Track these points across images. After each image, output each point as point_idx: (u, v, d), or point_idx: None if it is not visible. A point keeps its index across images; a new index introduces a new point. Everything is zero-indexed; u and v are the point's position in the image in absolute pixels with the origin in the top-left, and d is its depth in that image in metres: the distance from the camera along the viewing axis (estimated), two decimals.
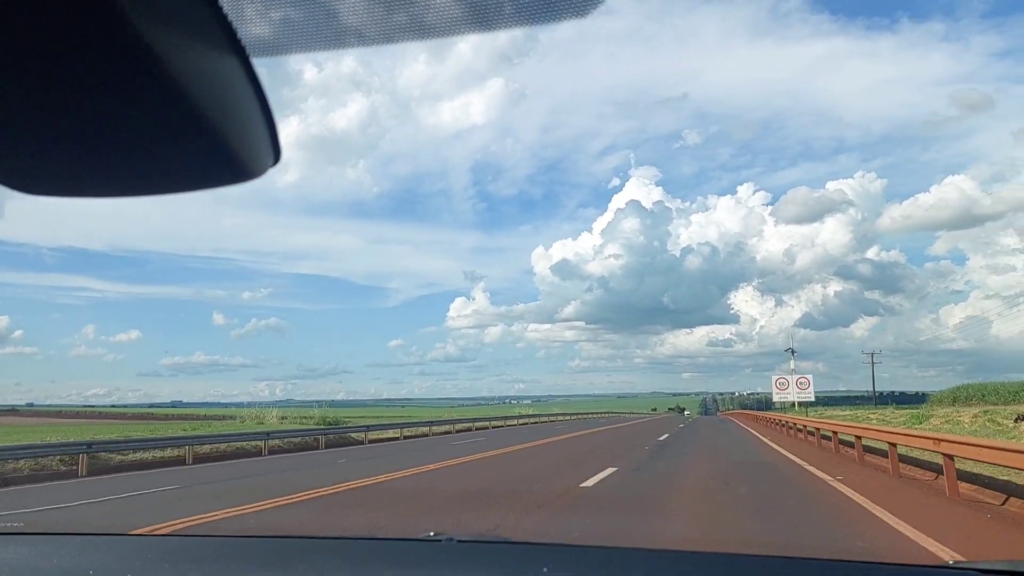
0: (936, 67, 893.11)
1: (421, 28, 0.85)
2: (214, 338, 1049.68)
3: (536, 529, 7.79)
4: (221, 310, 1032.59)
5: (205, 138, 0.77)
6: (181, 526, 8.12)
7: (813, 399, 49.43)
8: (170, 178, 0.87)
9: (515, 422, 52.65)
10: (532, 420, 58.57)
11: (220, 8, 0.72)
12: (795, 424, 29.39)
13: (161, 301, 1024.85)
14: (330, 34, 0.85)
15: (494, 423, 47.08)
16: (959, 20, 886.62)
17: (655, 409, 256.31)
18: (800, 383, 48.68)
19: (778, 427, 35.18)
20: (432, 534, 2.14)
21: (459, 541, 2.05)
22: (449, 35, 0.86)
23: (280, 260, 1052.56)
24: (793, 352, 59.75)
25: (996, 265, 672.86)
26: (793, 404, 50.86)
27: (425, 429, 35.72)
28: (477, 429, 40.67)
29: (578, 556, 2.07)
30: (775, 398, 50.83)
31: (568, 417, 75.92)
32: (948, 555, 6.39)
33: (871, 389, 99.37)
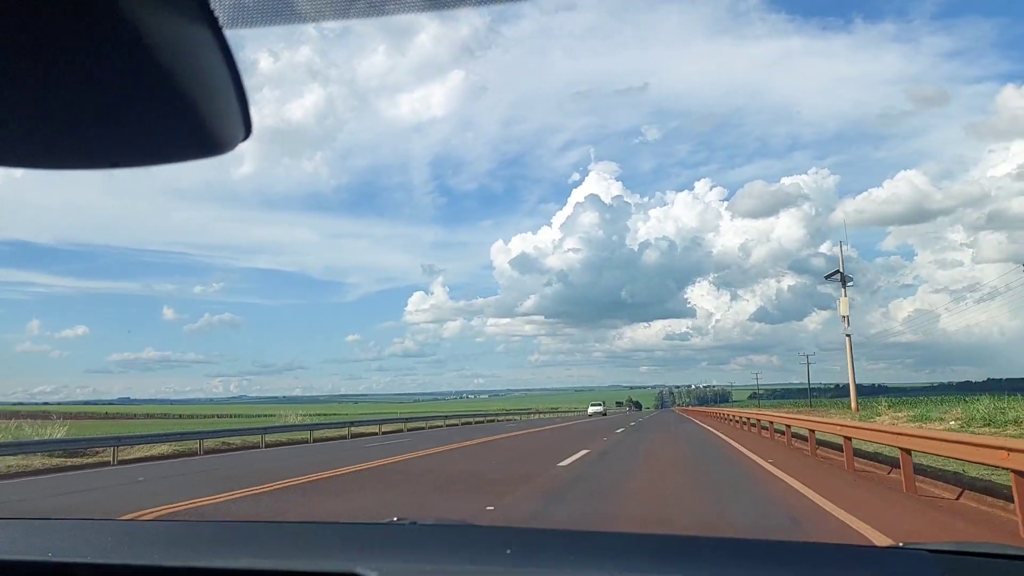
0: (889, 66, 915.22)
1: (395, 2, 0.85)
2: (165, 333, 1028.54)
3: None
4: (172, 304, 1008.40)
5: (176, 110, 0.77)
6: (171, 511, 8.56)
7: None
8: (140, 150, 0.87)
9: (457, 421, 48.08)
10: (475, 419, 53.50)
11: None
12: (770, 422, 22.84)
13: (110, 296, 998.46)
14: (307, 5, 0.85)
15: (432, 422, 42.92)
16: (911, 21, 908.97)
17: (603, 402, 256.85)
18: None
19: (748, 428, 28.03)
20: (396, 519, 2.21)
21: (422, 525, 2.13)
22: (437, 9, 0.90)
23: (235, 254, 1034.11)
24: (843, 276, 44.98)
25: (944, 260, 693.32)
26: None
27: (342, 431, 31.46)
28: (410, 430, 36.52)
29: (541, 539, 2.15)
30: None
31: (515, 418, 67.20)
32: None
33: (825, 382, 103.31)
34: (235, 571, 1.65)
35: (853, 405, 39.78)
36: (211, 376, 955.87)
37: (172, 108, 0.77)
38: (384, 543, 2.01)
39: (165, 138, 0.84)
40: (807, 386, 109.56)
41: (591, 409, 74.09)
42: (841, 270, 45.73)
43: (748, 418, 29.55)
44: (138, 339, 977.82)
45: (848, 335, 43.89)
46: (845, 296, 44.80)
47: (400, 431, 35.34)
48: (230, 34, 0.78)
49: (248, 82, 0.81)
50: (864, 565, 1.87)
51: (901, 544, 2.37)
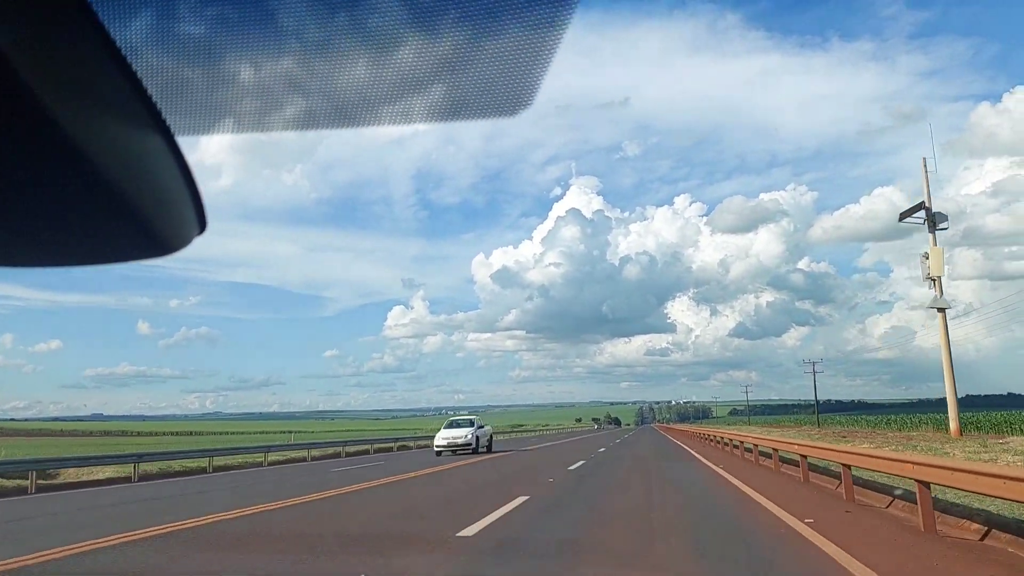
0: (866, 84, 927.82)
1: (355, 114, 0.94)
2: (141, 348, 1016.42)
3: None
4: (148, 319, 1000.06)
5: (127, 213, 0.80)
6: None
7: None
8: (91, 251, 0.90)
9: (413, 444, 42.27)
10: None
11: (144, 90, 0.77)
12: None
13: (85, 310, 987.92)
14: (255, 116, 0.91)
15: (401, 442, 38.82)
16: (887, 40, 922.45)
17: (579, 420, 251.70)
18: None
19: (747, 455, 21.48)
20: None
21: None
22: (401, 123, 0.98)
23: (213, 267, 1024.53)
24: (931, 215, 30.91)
25: (920, 277, 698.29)
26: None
27: (302, 453, 28.96)
28: (377, 451, 33.23)
29: None
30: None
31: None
32: None
33: (803, 398, 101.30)
34: None
35: (953, 425, 28.95)
36: (187, 392, 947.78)
37: (121, 212, 0.79)
38: None
39: (116, 240, 0.86)
40: (790, 401, 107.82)
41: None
42: (928, 203, 31.08)
43: (745, 442, 23.16)
44: (113, 354, 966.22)
45: (942, 308, 30.10)
46: (936, 245, 30.75)
47: (367, 452, 32.97)
48: (183, 140, 0.83)
49: (227, 93, 0.86)
50: None
51: None
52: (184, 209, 0.87)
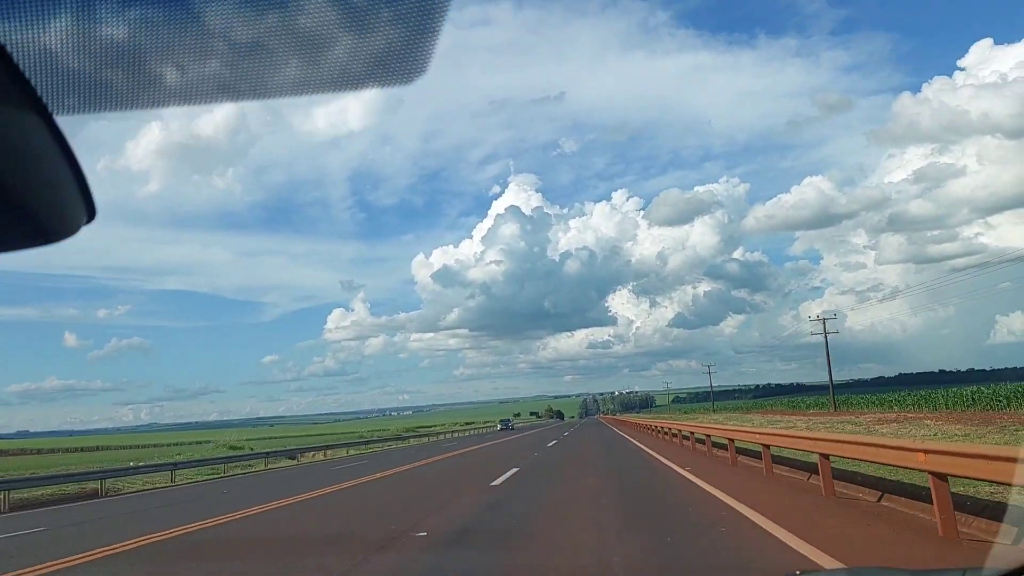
0: (792, 80, 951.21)
1: (238, 86, 0.92)
2: (69, 361, 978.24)
3: None
4: (75, 330, 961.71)
5: (5, 200, 0.78)
6: None
7: None
8: None
9: (344, 451, 40.54)
10: (364, 448, 44.99)
11: (16, 66, 0.74)
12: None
13: (5, 323, 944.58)
14: (146, 92, 0.87)
15: (333, 451, 36.65)
16: (810, 36, 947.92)
17: (518, 415, 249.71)
18: None
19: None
20: None
21: None
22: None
23: (144, 276, 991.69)
24: None
25: (848, 263, 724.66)
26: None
27: (216, 469, 26.74)
28: (328, 457, 31.29)
29: None
30: None
31: (415, 440, 56.96)
32: None
33: (742, 383, 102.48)
34: None
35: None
36: (120, 404, 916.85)
37: (4, 200, 0.76)
38: None
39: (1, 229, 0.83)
40: (730, 387, 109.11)
41: None
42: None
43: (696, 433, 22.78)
44: (39, 368, 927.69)
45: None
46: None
47: (356, 454, 32.12)
48: (63, 120, 0.79)
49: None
50: None
51: (797, 573, 3.04)
52: (69, 195, 0.83)
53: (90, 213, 0.88)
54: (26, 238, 0.85)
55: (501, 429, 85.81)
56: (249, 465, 30.67)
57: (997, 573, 2.26)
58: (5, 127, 0.72)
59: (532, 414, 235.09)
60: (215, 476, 25.96)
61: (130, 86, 0.84)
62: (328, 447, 41.53)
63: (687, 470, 15.06)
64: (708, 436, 20.57)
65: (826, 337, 63.70)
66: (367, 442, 49.85)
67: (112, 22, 0.80)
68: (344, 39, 0.90)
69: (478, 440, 48.14)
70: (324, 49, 0.90)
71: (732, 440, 16.80)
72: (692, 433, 23.46)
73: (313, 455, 37.03)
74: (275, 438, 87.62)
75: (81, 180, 0.83)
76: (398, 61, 0.89)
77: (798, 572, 4.49)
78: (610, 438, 37.39)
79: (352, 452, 40.68)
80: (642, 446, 26.43)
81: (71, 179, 0.82)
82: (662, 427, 34.28)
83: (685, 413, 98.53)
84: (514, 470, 17.76)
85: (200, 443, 75.95)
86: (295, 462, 33.09)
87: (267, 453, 33.78)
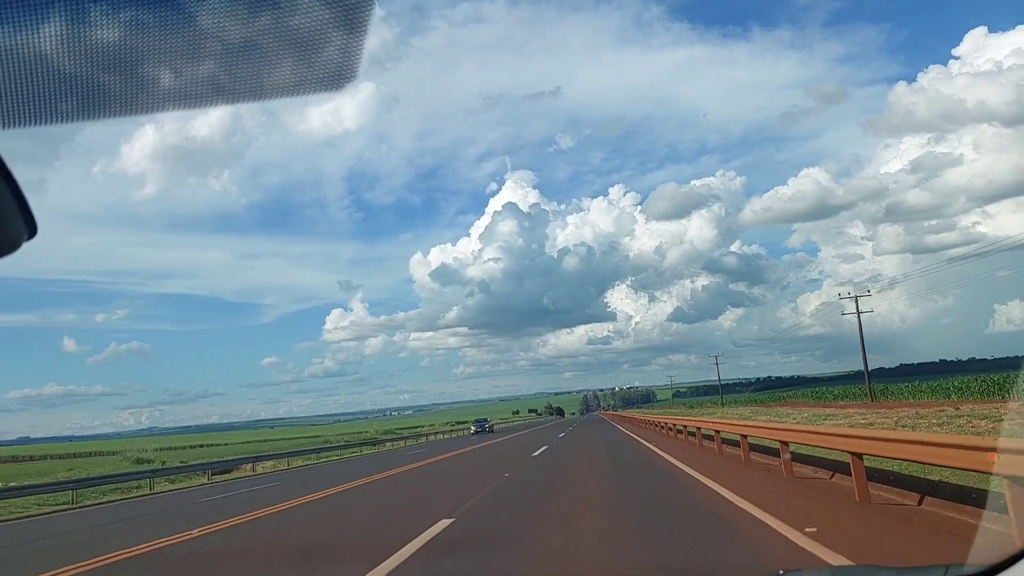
0: (787, 72, 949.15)
1: (170, 96, 0.94)
2: (68, 366, 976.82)
3: None
4: (73, 335, 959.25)
5: None
6: None
7: None
8: None
9: (337, 455, 39.78)
10: (348, 451, 43.19)
11: None
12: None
13: (5, 330, 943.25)
14: (60, 104, 0.86)
15: (325, 455, 35.74)
16: (804, 28, 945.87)
17: (516, 412, 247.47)
18: None
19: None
20: None
21: None
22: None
23: (142, 279, 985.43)
24: None
25: (845, 254, 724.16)
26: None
27: (201, 478, 25.77)
28: (263, 473, 28.12)
29: None
30: None
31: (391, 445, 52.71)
32: None
33: (742, 376, 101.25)
34: None
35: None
36: (120, 408, 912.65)
37: None
38: None
39: None
40: (729, 381, 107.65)
41: None
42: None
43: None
44: (38, 374, 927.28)
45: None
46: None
47: (287, 468, 29.61)
48: None
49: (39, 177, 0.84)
50: None
51: (781, 572, 3.06)
52: (7, 212, 0.80)
53: (31, 229, 0.86)
54: None
55: (475, 432, 65.25)
56: (136, 486, 25.41)
57: (978, 569, 2.23)
58: None
59: (531, 411, 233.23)
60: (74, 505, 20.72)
61: (124, 90, 0.85)
62: (273, 456, 37.05)
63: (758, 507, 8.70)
64: (744, 436, 15.78)
65: (859, 316, 57.82)
66: (320, 450, 43.20)
67: (104, 25, 0.80)
68: (271, 48, 0.90)
69: (440, 449, 36.95)
70: (250, 59, 0.91)
71: (786, 443, 12.25)
72: (717, 432, 19.18)
73: (247, 467, 32.66)
74: (261, 441, 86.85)
75: (19, 196, 0.82)
76: (327, 67, 0.90)
77: (781, 572, 4.51)
78: (619, 443, 28.77)
79: (299, 463, 35.99)
80: (685, 466, 15.01)
81: (8, 196, 0.81)
82: (672, 424, 30.74)
83: (691, 408, 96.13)
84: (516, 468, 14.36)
85: (165, 450, 67.84)
86: (206, 479, 27.63)
87: (178, 468, 27.99)
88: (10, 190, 0.81)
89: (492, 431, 67.32)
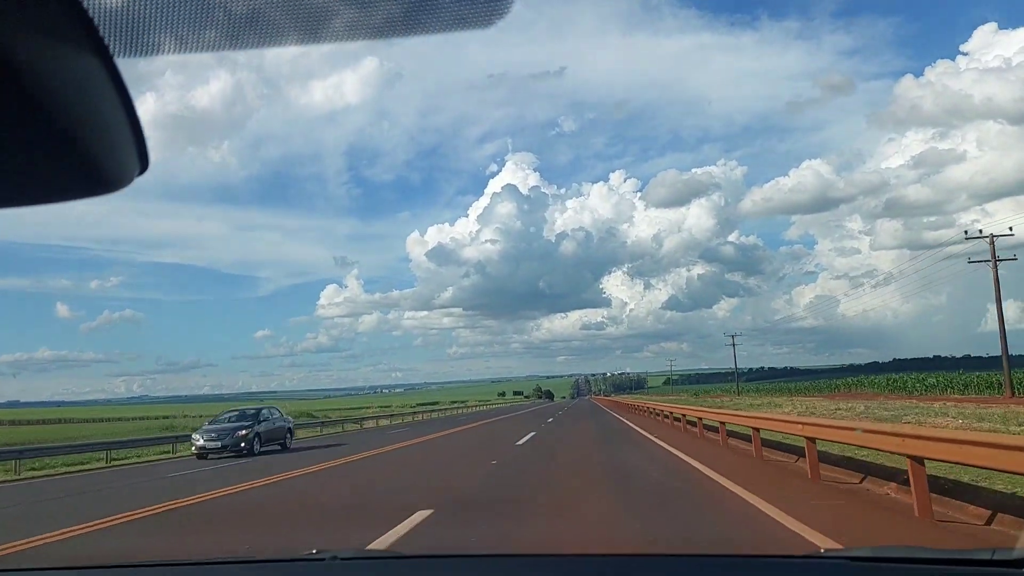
0: (792, 62, 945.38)
1: (307, 30, 0.85)
2: (61, 332, 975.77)
3: None
4: (67, 302, 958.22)
5: (66, 146, 0.74)
6: None
7: None
8: (26, 190, 0.83)
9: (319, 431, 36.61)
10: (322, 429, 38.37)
11: (80, 5, 0.70)
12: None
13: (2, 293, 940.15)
14: (203, 33, 0.83)
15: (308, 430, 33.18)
16: (812, 19, 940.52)
17: (502, 394, 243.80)
18: None
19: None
20: (314, 552, 2.09)
21: (343, 559, 2.04)
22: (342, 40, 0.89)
23: (138, 248, 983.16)
24: None
25: (842, 248, 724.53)
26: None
27: (165, 449, 24.69)
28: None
29: (473, 566, 2.12)
30: None
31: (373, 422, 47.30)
32: None
33: (732, 367, 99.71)
34: None
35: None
36: (112, 376, 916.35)
37: (59, 144, 0.73)
38: None
39: (53, 177, 0.79)
40: (722, 370, 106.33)
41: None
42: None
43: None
44: (31, 338, 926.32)
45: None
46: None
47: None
48: (123, 63, 0.75)
49: (148, 67, 1.41)
50: None
51: (822, 551, 2.79)
52: (125, 143, 0.78)
53: (143, 163, 0.82)
54: (82, 187, 0.80)
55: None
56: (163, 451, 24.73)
57: None
58: (67, 70, 0.67)
59: (516, 393, 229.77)
60: None
61: (191, 26, 0.80)
62: (157, 440, 26.81)
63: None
64: (812, 440, 10.19)
65: (995, 265, 41.01)
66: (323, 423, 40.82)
67: None
68: None
69: (392, 438, 26.75)
70: None
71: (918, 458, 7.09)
72: (756, 429, 13.59)
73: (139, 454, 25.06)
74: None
75: (136, 128, 0.77)
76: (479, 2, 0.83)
77: (823, 550, 4.49)
78: (617, 435, 22.58)
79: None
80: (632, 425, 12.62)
81: (127, 127, 0.77)
82: (685, 415, 23.32)
83: (696, 396, 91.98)
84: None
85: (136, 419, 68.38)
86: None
87: (20, 451, 20.79)
88: (129, 121, 0.76)
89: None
